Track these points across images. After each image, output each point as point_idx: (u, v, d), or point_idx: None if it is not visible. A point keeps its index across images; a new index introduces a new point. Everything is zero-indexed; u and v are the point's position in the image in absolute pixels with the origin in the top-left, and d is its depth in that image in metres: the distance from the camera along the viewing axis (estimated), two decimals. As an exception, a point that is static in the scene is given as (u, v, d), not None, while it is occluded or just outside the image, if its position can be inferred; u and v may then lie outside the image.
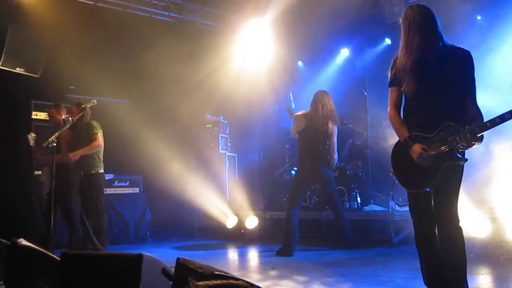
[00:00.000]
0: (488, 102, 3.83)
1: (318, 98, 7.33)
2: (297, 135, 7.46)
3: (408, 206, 3.70)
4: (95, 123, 7.02)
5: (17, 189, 7.47)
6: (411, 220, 3.72)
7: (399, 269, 5.72)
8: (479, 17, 8.29)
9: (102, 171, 7.08)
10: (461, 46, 3.61)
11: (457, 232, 3.46)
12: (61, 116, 7.35)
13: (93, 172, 6.94)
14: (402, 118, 3.70)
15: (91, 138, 6.96)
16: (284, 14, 8.97)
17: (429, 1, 3.73)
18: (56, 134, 6.34)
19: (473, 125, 3.31)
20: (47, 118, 7.72)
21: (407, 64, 3.56)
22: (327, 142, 7.37)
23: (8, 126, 8.26)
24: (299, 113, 7.44)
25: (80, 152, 6.86)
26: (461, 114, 3.47)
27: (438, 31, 3.53)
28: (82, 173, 6.93)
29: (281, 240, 7.16)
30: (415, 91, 3.55)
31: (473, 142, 3.32)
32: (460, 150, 3.40)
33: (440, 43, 3.53)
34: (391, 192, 8.03)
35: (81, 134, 6.97)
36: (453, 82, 3.48)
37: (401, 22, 3.67)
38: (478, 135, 3.30)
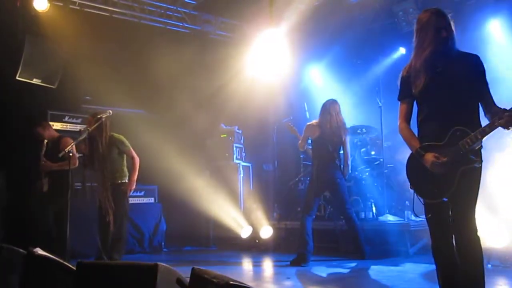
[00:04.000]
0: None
1: (328, 107, 7.33)
2: (305, 146, 7.48)
3: (424, 216, 3.66)
4: (124, 139, 7.11)
5: (34, 199, 7.52)
6: (427, 230, 3.68)
7: (415, 280, 5.68)
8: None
9: (127, 180, 7.19)
10: (470, 50, 3.62)
11: (475, 242, 3.41)
12: (50, 130, 7.52)
13: (120, 181, 7.03)
14: (413, 131, 3.69)
15: (127, 154, 7.11)
16: (298, 24, 8.99)
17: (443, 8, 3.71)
18: (72, 143, 6.41)
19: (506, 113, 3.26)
20: (62, 129, 8.05)
21: (417, 63, 3.57)
22: (340, 151, 7.38)
23: (25, 137, 8.35)
24: (312, 122, 7.45)
25: (135, 178, 7.07)
26: (472, 119, 3.46)
27: (452, 33, 3.53)
28: (109, 183, 6.99)
29: (296, 249, 7.14)
30: (425, 90, 3.54)
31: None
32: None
33: (452, 46, 3.53)
34: (407, 202, 8.04)
35: (110, 148, 6.99)
36: (464, 87, 3.47)
37: (414, 25, 3.68)
38: None
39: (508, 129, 3.29)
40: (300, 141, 7.53)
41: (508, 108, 3.27)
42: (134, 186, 7.09)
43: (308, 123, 7.48)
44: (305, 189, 8.94)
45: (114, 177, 6.99)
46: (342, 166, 7.37)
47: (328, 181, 7.28)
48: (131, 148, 7.12)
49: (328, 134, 7.23)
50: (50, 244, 6.93)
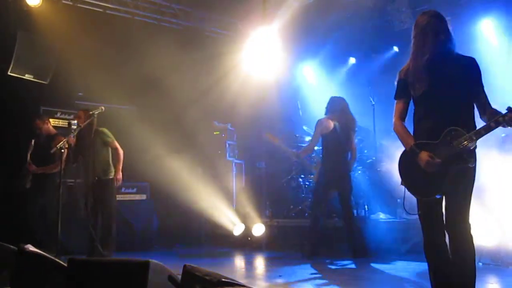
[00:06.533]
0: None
1: (343, 105, 7.37)
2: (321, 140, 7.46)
3: (417, 215, 3.67)
4: (107, 131, 7.10)
5: (25, 195, 7.48)
6: (419, 228, 3.70)
7: (407, 278, 5.69)
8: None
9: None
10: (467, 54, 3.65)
11: (467, 240, 3.44)
12: (48, 125, 7.53)
13: (108, 177, 7.01)
14: (407, 128, 3.72)
15: (109, 145, 7.11)
16: (291, 22, 8.98)
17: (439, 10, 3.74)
18: (64, 140, 6.38)
19: (500, 115, 3.30)
20: (54, 125, 8.09)
21: (416, 66, 3.59)
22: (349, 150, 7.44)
23: (17, 133, 8.30)
24: (326, 117, 7.41)
25: (120, 168, 7.07)
26: (468, 120, 3.50)
27: (450, 36, 3.55)
28: (96, 178, 6.97)
29: (289, 247, 7.14)
30: (425, 92, 3.55)
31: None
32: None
33: (450, 49, 3.55)
34: (398, 200, 8.06)
35: (95, 142, 7.00)
36: (461, 89, 3.50)
37: (412, 29, 3.69)
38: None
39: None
40: (309, 143, 7.56)
41: (506, 109, 3.28)
42: (120, 176, 7.06)
43: (320, 119, 7.44)
44: (297, 187, 8.96)
45: (100, 172, 6.97)
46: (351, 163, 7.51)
47: (341, 176, 7.32)
48: (114, 140, 7.10)
49: (342, 132, 7.27)
50: (40, 241, 6.91)
